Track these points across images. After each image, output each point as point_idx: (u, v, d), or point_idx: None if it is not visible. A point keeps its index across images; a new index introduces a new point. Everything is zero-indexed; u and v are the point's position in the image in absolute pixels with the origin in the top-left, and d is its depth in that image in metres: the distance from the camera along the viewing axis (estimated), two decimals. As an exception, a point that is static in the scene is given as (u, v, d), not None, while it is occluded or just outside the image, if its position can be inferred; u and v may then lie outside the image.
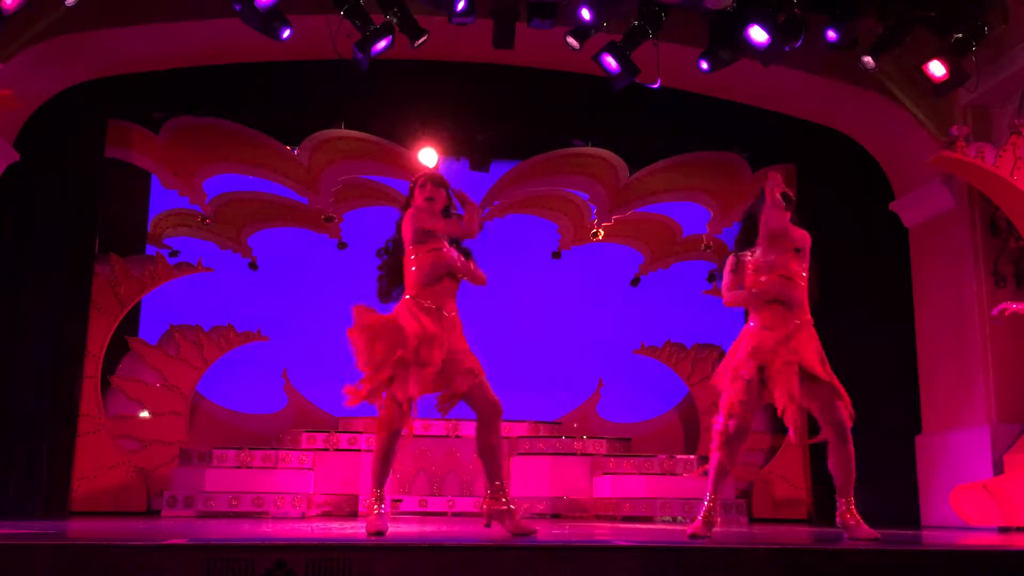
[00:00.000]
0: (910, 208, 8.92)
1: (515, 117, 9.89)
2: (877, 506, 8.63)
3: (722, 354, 10.66)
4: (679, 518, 8.73)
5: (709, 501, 4.94)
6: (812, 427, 5.11)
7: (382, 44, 7.28)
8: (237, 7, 6.94)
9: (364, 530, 4.72)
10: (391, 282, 5.16)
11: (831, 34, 7.26)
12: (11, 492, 8.27)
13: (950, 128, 7.99)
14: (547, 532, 5.83)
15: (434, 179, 5.04)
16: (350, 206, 10.72)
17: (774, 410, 4.97)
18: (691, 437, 10.62)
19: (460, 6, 7.18)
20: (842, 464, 4.96)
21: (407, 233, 4.99)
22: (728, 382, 4.99)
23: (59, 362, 8.82)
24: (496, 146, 10.47)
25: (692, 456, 9.45)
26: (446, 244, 5.00)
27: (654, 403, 10.99)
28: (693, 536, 4.81)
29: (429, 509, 9.09)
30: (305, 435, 9.31)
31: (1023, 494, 7.23)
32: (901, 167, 8.99)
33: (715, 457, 4.97)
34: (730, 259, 5.20)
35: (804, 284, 5.04)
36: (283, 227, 10.79)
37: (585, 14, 7.27)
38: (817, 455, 9.59)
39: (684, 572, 3.66)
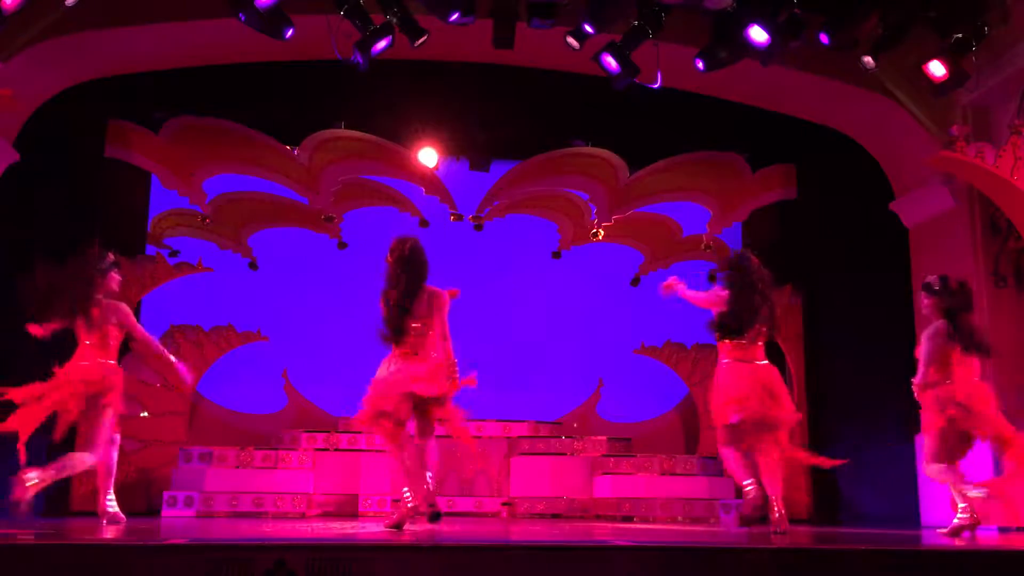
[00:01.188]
0: (910, 208, 8.92)
1: (515, 117, 9.89)
2: (877, 506, 8.67)
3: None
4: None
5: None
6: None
7: (382, 44, 7.28)
8: (242, 17, 6.94)
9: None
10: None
11: (824, 37, 7.26)
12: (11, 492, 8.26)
13: (950, 128, 7.98)
14: (547, 532, 5.83)
15: None
16: (350, 206, 10.72)
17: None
18: (691, 437, 10.62)
19: (453, 17, 7.18)
20: None
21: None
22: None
23: (59, 362, 8.80)
24: (496, 146, 10.47)
25: (692, 456, 9.46)
26: None
27: (654, 403, 10.99)
28: None
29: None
30: (305, 435, 9.31)
31: (1023, 494, 7.22)
32: (901, 167, 8.99)
33: None
34: None
35: None
36: (283, 227, 10.79)
37: (588, 28, 7.30)
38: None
39: (684, 572, 3.67)
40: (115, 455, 6.42)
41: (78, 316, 6.21)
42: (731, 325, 6.02)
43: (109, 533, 5.11)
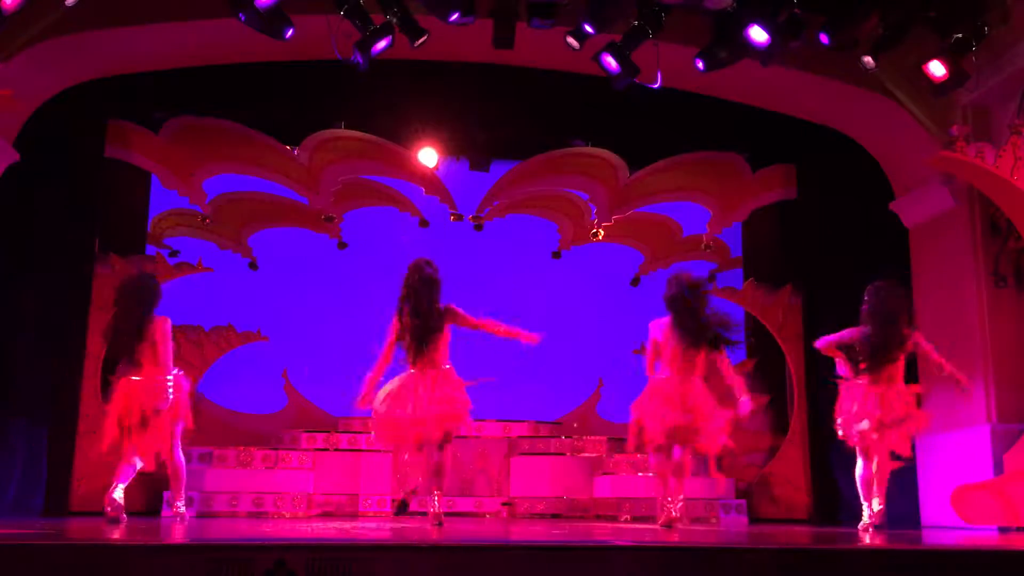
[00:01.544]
0: (910, 208, 8.92)
1: (515, 117, 9.88)
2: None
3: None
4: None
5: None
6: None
7: (382, 44, 7.28)
8: (242, 17, 6.94)
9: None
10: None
11: (824, 37, 7.26)
12: (11, 492, 8.27)
13: (950, 128, 7.98)
14: (547, 532, 5.83)
15: None
16: (350, 206, 10.72)
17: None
18: (691, 437, 10.61)
19: (453, 17, 7.18)
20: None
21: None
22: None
23: (59, 362, 8.82)
24: (496, 146, 10.46)
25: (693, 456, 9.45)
26: None
27: (654, 403, 10.97)
28: None
29: (429, 509, 9.08)
30: (305, 435, 9.30)
31: (1023, 494, 7.23)
32: (901, 167, 8.99)
33: None
34: None
35: None
36: (283, 227, 10.79)
37: (588, 28, 7.31)
38: (817, 456, 9.60)
39: (684, 572, 3.67)
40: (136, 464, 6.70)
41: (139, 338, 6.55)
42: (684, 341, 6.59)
43: (109, 533, 5.11)
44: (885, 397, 6.73)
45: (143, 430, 6.42)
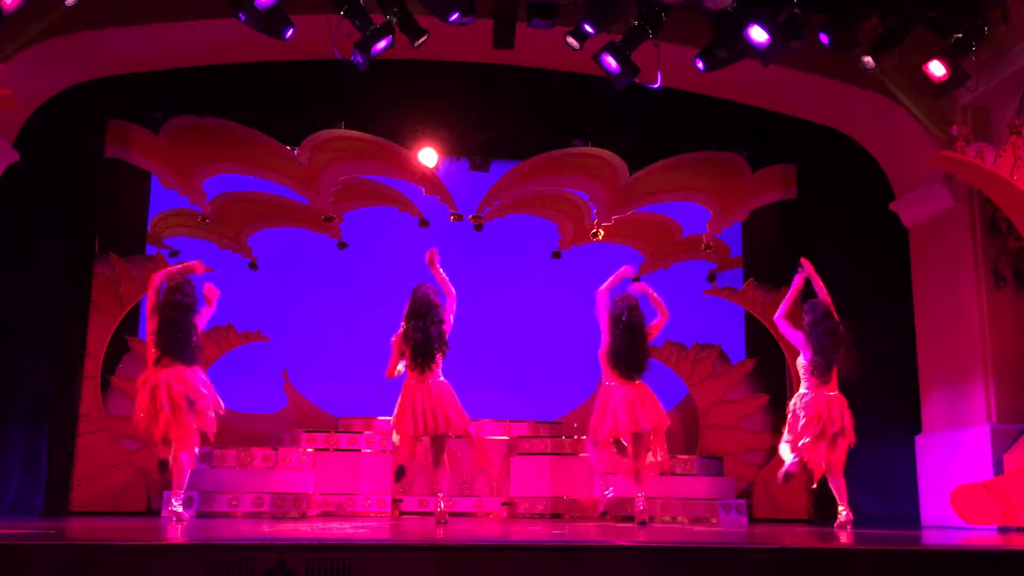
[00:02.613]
0: (910, 208, 8.92)
1: (515, 117, 9.88)
2: (877, 506, 8.67)
3: (722, 353, 10.71)
4: (678, 518, 8.77)
5: None
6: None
7: (382, 44, 7.28)
8: (242, 17, 6.94)
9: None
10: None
11: (824, 37, 7.27)
12: (11, 492, 8.28)
13: (950, 128, 7.99)
14: (547, 532, 5.83)
15: None
16: (350, 206, 10.72)
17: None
18: (691, 437, 10.61)
19: (453, 17, 7.18)
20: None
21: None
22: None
23: (59, 362, 8.82)
24: (496, 146, 10.47)
25: (692, 456, 9.46)
26: None
27: (653, 403, 10.97)
28: None
29: (429, 509, 9.07)
30: (305, 435, 9.30)
31: (1023, 494, 7.23)
32: (901, 167, 8.99)
33: None
34: None
35: None
36: (283, 227, 10.79)
37: (588, 28, 7.32)
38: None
39: (684, 572, 3.67)
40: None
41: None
42: (611, 360, 7.44)
43: (109, 533, 5.11)
44: (828, 405, 7.14)
45: (178, 416, 6.63)
